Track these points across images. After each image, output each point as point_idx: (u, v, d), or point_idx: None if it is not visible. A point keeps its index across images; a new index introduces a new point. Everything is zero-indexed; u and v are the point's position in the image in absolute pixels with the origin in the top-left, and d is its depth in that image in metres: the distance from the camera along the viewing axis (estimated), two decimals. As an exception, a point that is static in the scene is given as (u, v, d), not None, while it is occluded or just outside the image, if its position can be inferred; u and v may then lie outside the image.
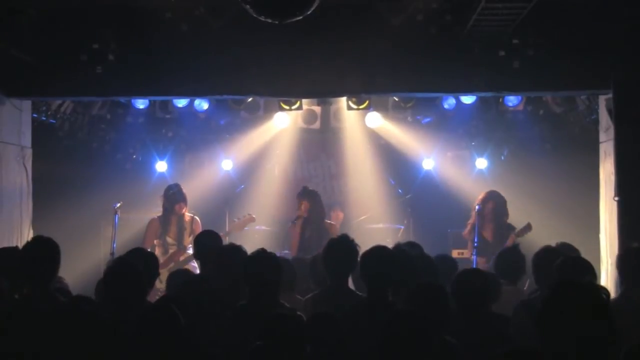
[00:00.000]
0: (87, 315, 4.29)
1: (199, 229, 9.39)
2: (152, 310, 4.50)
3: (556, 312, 3.09)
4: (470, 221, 9.57)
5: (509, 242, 9.14)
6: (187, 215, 9.58)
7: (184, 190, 9.68)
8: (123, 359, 4.28)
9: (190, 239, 9.43)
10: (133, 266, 5.26)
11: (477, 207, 9.43)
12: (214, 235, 6.70)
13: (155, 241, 9.47)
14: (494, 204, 9.56)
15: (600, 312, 3.09)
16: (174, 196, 9.54)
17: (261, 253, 5.53)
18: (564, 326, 3.06)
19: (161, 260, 9.22)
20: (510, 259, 6.94)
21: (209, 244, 6.51)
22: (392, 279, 5.34)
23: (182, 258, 9.34)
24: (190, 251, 9.33)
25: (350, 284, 6.06)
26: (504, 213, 9.59)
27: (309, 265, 6.58)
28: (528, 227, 9.35)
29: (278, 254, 6.15)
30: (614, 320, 3.10)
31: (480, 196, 9.68)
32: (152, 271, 5.81)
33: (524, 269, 6.97)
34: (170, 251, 9.44)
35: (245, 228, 11.01)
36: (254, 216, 10.06)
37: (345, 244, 5.82)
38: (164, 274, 8.87)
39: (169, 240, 9.48)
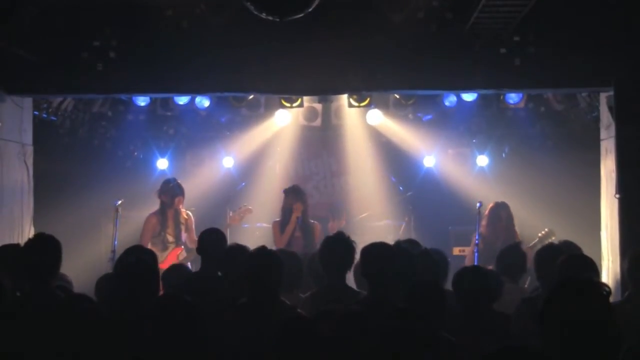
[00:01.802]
0: (84, 313, 4.29)
1: (192, 225, 9.50)
2: (169, 302, 4.43)
3: (557, 309, 3.09)
4: (486, 234, 9.47)
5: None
6: (183, 210, 9.58)
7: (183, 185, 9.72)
8: (124, 358, 4.27)
9: (186, 234, 9.47)
10: (148, 264, 5.26)
11: (478, 205, 9.35)
12: (219, 233, 6.70)
13: (152, 239, 9.44)
14: (506, 214, 9.49)
15: (601, 309, 3.08)
16: (173, 190, 9.54)
17: (262, 251, 5.52)
18: (565, 324, 3.06)
19: (162, 258, 9.24)
20: (511, 257, 6.94)
21: (213, 241, 6.51)
22: (394, 277, 5.34)
23: (180, 257, 9.34)
24: (184, 248, 9.39)
25: (352, 282, 6.06)
26: (513, 223, 9.52)
27: (307, 262, 6.58)
28: (550, 233, 9.24)
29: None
30: (615, 317, 3.10)
31: (493, 207, 9.55)
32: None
33: (525, 267, 6.98)
34: (170, 248, 9.44)
35: (245, 225, 11.04)
36: (250, 207, 10.06)
37: (341, 241, 5.82)
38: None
39: (169, 237, 9.47)
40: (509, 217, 9.49)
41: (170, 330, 4.08)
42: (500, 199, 9.75)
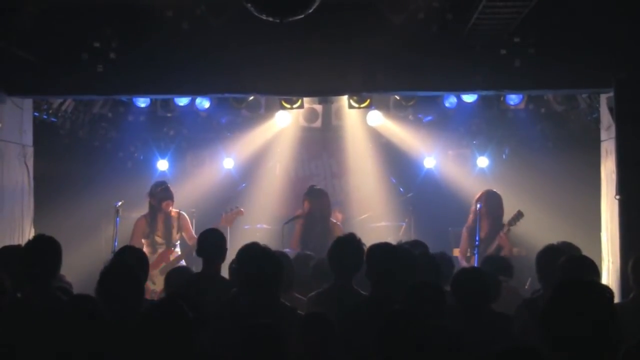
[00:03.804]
0: (88, 313, 4.29)
1: (187, 224, 9.49)
2: (161, 306, 4.44)
3: (560, 311, 3.10)
4: (469, 223, 9.56)
5: (502, 236, 9.13)
6: (173, 211, 9.57)
7: (182, 188, 9.72)
8: (124, 358, 4.27)
9: (179, 235, 9.47)
10: (130, 266, 5.23)
11: (478, 205, 9.40)
12: (218, 233, 6.70)
13: (142, 241, 9.44)
14: (493, 202, 9.51)
15: (604, 311, 3.09)
16: (161, 193, 9.53)
17: (262, 252, 5.51)
18: (568, 325, 3.06)
19: (151, 260, 9.25)
20: (494, 265, 6.94)
21: (212, 242, 6.50)
22: (396, 277, 5.34)
23: (172, 257, 9.35)
24: (179, 248, 9.38)
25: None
26: (501, 211, 9.54)
27: (315, 264, 6.58)
28: (519, 215, 9.28)
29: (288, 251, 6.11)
30: (618, 320, 3.10)
31: (479, 195, 9.63)
32: (144, 269, 5.79)
33: (511, 263, 7.04)
34: (159, 250, 9.44)
35: (246, 226, 11.04)
36: (241, 209, 10.07)
37: (351, 243, 5.82)
38: (155, 274, 8.92)
39: (158, 239, 9.47)
40: (494, 207, 9.46)
41: (159, 336, 4.09)
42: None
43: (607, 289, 3.20)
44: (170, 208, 9.53)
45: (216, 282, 6.23)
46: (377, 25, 8.23)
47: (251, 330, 4.08)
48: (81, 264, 8.94)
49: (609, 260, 8.51)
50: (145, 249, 9.34)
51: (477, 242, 9.16)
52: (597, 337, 3.06)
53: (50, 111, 10.07)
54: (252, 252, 5.62)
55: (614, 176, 8.18)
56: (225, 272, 6.59)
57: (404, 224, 11.40)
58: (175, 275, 6.62)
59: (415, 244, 6.53)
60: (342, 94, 10.04)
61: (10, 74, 8.35)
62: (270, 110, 11.32)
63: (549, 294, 3.26)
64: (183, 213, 9.63)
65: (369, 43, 8.30)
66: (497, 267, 6.86)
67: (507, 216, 9.50)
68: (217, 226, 9.49)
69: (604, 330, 3.08)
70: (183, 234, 9.54)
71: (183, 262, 9.17)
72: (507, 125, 11.54)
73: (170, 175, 11.40)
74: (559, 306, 3.12)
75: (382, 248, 5.57)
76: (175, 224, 9.51)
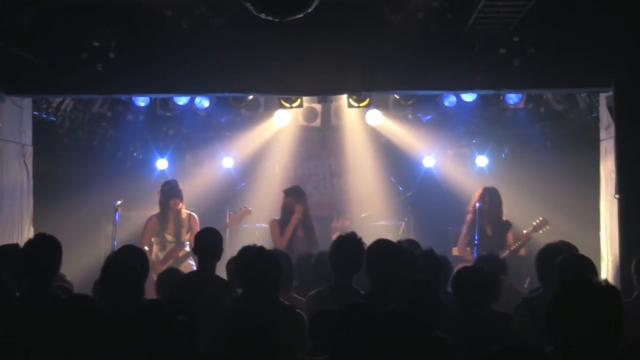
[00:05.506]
0: (87, 313, 4.29)
1: (196, 226, 9.45)
2: (146, 308, 4.46)
3: (566, 310, 3.10)
4: (468, 219, 9.60)
5: (524, 239, 9.16)
6: (184, 212, 9.59)
7: (181, 187, 9.71)
8: (122, 357, 4.27)
9: (188, 235, 9.46)
10: (130, 265, 5.23)
11: (477, 204, 9.43)
12: (214, 232, 6.70)
13: (153, 239, 9.47)
14: (491, 199, 9.56)
15: (611, 311, 3.09)
16: (169, 191, 9.56)
17: (260, 251, 5.51)
18: (573, 324, 3.06)
19: (160, 257, 9.29)
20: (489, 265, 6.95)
21: (209, 241, 6.51)
22: (396, 276, 5.34)
23: (180, 254, 9.36)
24: (188, 248, 9.36)
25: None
26: (500, 208, 9.60)
27: (314, 262, 6.57)
28: (545, 222, 9.32)
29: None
30: (623, 320, 3.11)
31: (478, 193, 9.67)
32: (144, 269, 5.79)
33: (505, 267, 7.05)
34: (169, 248, 9.45)
35: (245, 225, 11.03)
36: (250, 209, 10.04)
37: (353, 242, 5.82)
38: (162, 270, 8.92)
39: (168, 237, 9.49)
40: (495, 206, 9.50)
41: (146, 340, 4.09)
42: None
43: (613, 289, 3.19)
44: (180, 206, 9.54)
45: (212, 281, 6.23)
46: (377, 24, 8.23)
47: (242, 334, 4.08)
48: (80, 263, 8.96)
49: (608, 260, 8.51)
50: (155, 247, 9.39)
51: (476, 242, 9.17)
52: (602, 336, 3.06)
53: (50, 110, 10.06)
54: (252, 253, 5.62)
55: (613, 175, 8.19)
56: (221, 271, 6.60)
57: (403, 223, 11.42)
58: (166, 278, 6.58)
59: (410, 244, 6.54)
60: (341, 93, 10.06)
61: (10, 73, 8.34)
62: (269, 109, 11.33)
63: (551, 292, 3.26)
64: (194, 215, 9.63)
65: (368, 42, 8.30)
66: (492, 265, 6.86)
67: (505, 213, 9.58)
68: (224, 226, 9.56)
69: (611, 330, 3.08)
70: (189, 235, 9.53)
71: (191, 261, 9.17)
72: (507, 124, 11.54)
73: (170, 175, 11.39)
74: (565, 305, 3.12)
75: (383, 246, 5.57)
76: (185, 224, 9.53)
